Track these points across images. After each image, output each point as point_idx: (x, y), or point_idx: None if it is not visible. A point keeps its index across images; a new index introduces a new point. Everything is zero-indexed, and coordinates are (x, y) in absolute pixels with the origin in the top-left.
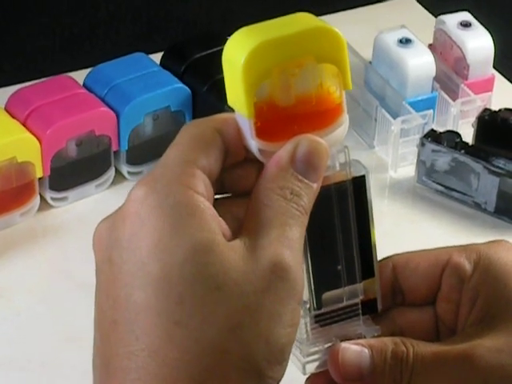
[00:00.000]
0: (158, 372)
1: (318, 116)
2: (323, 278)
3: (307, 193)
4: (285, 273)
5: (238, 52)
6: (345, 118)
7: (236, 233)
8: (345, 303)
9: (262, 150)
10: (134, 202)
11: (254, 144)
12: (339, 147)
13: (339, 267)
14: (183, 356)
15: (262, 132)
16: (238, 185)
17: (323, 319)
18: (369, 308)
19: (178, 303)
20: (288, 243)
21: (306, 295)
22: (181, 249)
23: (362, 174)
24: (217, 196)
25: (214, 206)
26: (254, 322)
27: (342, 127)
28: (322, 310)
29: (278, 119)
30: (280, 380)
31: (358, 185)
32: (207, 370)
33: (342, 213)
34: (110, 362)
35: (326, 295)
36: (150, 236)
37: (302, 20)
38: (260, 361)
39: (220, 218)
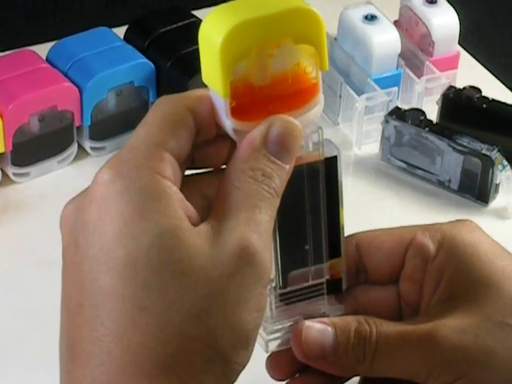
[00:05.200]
0: (123, 357)
1: (293, 96)
2: (290, 257)
3: (279, 174)
4: (251, 257)
5: (215, 31)
6: (320, 98)
7: (205, 212)
8: (310, 282)
9: (237, 130)
10: (101, 185)
11: (228, 123)
12: (313, 128)
13: (307, 247)
14: (148, 342)
15: (236, 111)
16: (208, 161)
17: (288, 298)
18: (334, 287)
19: (143, 289)
20: (256, 227)
21: (272, 273)
22: (146, 235)
23: (334, 154)
24: (186, 172)
25: (182, 184)
26: (219, 308)
27: (317, 107)
28: (288, 289)
29: (253, 99)
30: (246, 364)
31: (330, 165)
32: (172, 356)
33: (313, 193)
34: (75, 346)
35: (292, 274)
36: (116, 221)
37: None
38: (225, 347)
39: (187, 203)
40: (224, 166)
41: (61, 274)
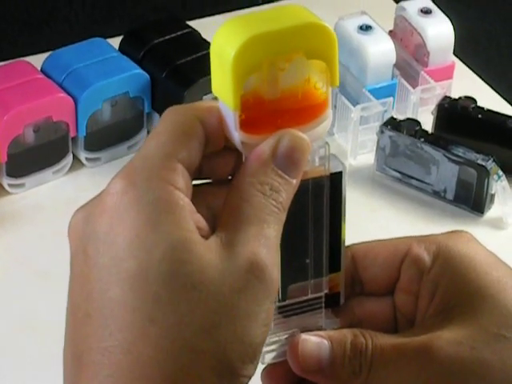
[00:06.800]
0: (132, 369)
1: (302, 111)
2: (291, 271)
3: (286, 189)
4: (261, 272)
5: (228, 44)
6: (328, 114)
7: (211, 224)
8: (309, 296)
9: (244, 143)
10: (113, 195)
11: (236, 136)
12: (320, 143)
13: (307, 260)
14: (157, 354)
15: (245, 124)
16: (215, 172)
17: (286, 310)
18: (331, 301)
19: (153, 301)
20: (265, 241)
21: None
22: (158, 247)
23: (339, 170)
24: (193, 182)
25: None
26: (229, 323)
27: (325, 123)
28: (286, 302)
29: (262, 112)
30: (252, 376)
31: (335, 181)
32: (181, 369)
33: (316, 207)
34: (82, 356)
35: (292, 287)
36: (128, 231)
37: (294, 13)
38: (235, 360)
39: (198, 215)
40: (230, 178)
41: (57, 284)
